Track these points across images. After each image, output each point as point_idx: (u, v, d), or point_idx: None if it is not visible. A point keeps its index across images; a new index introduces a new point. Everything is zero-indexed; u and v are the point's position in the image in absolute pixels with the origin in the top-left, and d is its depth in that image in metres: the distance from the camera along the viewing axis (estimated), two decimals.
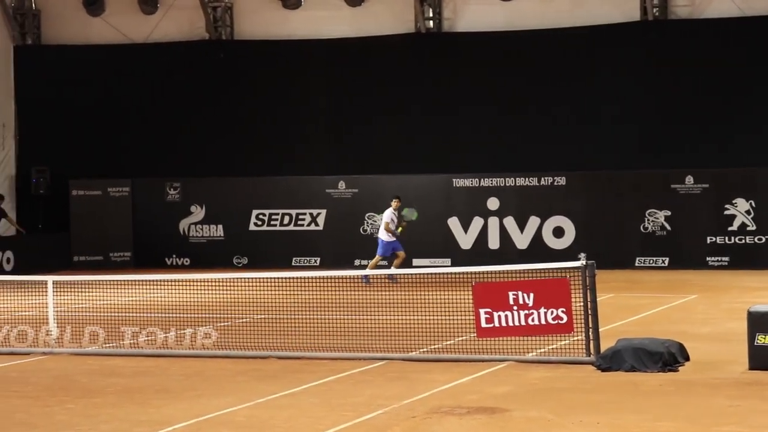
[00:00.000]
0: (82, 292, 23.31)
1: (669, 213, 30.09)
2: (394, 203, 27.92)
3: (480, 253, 30.42)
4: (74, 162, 33.96)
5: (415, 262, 30.04)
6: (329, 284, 24.51)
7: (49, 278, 18.85)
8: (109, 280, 25.09)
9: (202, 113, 34.18)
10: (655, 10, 31.30)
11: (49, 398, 13.98)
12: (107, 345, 17.64)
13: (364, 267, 29.42)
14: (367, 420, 12.08)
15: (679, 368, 14.63)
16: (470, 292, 15.84)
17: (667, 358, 14.57)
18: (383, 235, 27.88)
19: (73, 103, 34.33)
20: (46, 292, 18.38)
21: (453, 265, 29.55)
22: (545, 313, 15.32)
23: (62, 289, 19.45)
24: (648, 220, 30.20)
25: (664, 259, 30.19)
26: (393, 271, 26.03)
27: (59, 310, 18.61)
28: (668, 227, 30.09)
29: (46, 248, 32.47)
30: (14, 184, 34.95)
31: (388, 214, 27.89)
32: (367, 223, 31.91)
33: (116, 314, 21.12)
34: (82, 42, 34.77)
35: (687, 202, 29.99)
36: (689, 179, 29.99)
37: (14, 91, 35.02)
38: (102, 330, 18.04)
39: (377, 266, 27.66)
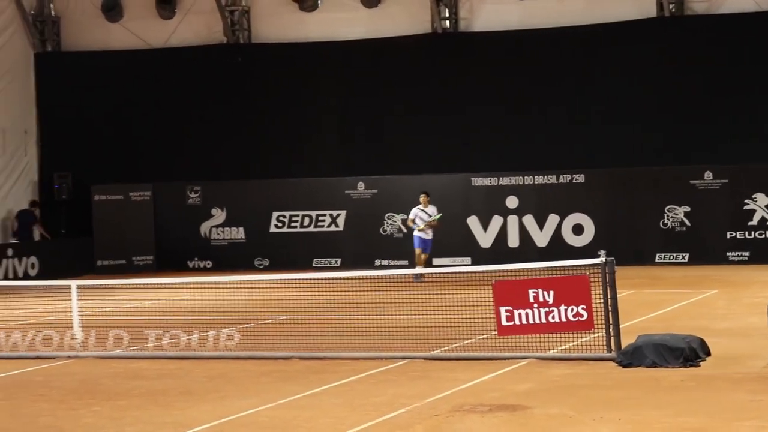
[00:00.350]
0: (105, 296, 23.47)
1: (688, 209, 30.04)
2: (422, 199, 27.99)
3: (500, 252, 30.39)
4: (96, 167, 34.09)
5: (436, 261, 30.03)
6: (350, 285, 24.54)
7: (73, 283, 18.91)
8: (132, 284, 25.20)
9: (221, 117, 34.26)
10: (671, 6, 31.26)
11: (74, 401, 14.05)
12: (131, 348, 17.71)
13: (384, 267, 29.48)
14: (389, 419, 12.11)
15: (700, 363, 14.60)
16: (490, 291, 15.86)
17: (688, 353, 14.55)
18: (415, 231, 27.92)
19: (93, 108, 34.47)
20: (71, 296, 18.47)
21: (473, 263, 29.56)
22: (565, 311, 15.32)
23: (86, 294, 19.54)
24: (667, 216, 30.16)
25: (683, 254, 30.14)
26: (418, 270, 25.96)
27: (83, 314, 18.67)
28: (688, 223, 30.05)
29: (70, 253, 32.60)
30: (37, 190, 35.09)
31: (413, 211, 27.98)
32: (387, 223, 31.93)
33: (140, 317, 21.22)
34: (101, 48, 34.90)
35: (706, 198, 29.93)
36: (708, 175, 29.92)
37: (36, 98, 35.15)
38: (126, 333, 18.12)
39: (425, 263, 27.62)
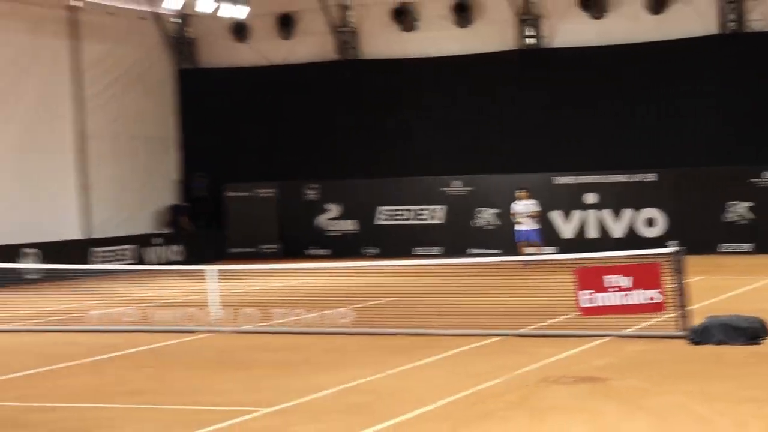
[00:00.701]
0: (238, 279, 23.76)
1: (751, 204, 29.60)
2: (519, 194, 27.95)
3: (580, 242, 30.20)
4: (228, 168, 34.49)
5: (528, 250, 29.88)
6: (448, 270, 24.61)
7: (211, 267, 19.23)
8: (261, 269, 25.51)
9: (334, 124, 34.45)
10: (732, 24, 30.84)
11: (213, 370, 14.27)
12: (261, 324, 17.90)
13: (477, 255, 29.45)
14: (484, 388, 12.12)
15: (762, 342, 14.42)
16: (573, 276, 15.81)
17: (752, 333, 14.39)
18: (523, 225, 27.84)
19: (225, 117, 34.85)
20: (209, 279, 18.75)
21: (557, 253, 29.46)
22: (640, 294, 15.24)
23: (222, 277, 19.77)
24: (731, 210, 29.76)
25: (747, 245, 29.72)
26: (525, 258, 25.65)
27: (220, 295, 18.92)
28: (751, 216, 29.62)
29: (207, 242, 33.02)
30: (178, 188, 35.66)
31: (511, 207, 27.99)
32: (480, 216, 31.92)
33: (267, 298, 21.43)
34: (231, 65, 35.26)
35: (766, 194, 29.51)
36: (766, 174, 29.52)
37: (176, 109, 35.67)
38: (256, 311, 18.33)
39: (529, 251, 27.43)
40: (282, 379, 13.30)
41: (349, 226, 33.38)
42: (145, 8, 33.54)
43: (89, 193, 32.36)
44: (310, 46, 34.69)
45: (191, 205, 35.10)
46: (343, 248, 32.63)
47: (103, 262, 29.85)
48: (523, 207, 27.87)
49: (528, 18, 32.77)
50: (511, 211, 28.16)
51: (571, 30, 32.50)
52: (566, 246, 30.20)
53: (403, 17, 33.62)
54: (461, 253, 30.57)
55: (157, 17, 34.63)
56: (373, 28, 34.40)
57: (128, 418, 11.25)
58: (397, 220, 33.09)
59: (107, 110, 33.08)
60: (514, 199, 28.33)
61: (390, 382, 12.90)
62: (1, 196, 29.45)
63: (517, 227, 27.94)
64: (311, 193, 33.68)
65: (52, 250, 28.28)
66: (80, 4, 31.64)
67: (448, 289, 21.52)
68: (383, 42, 34.26)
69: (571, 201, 31.14)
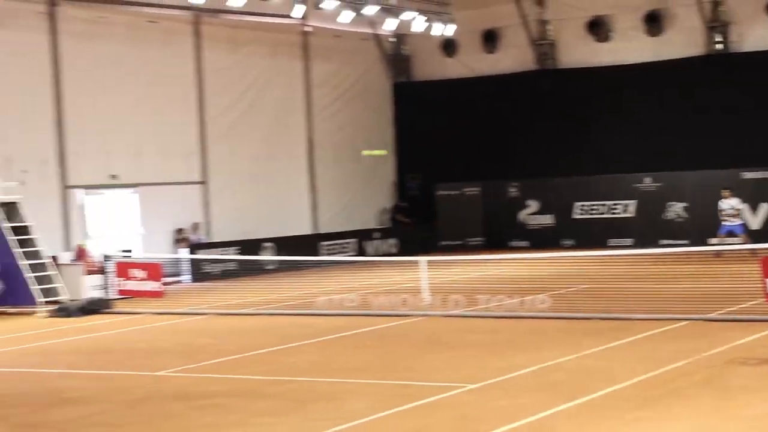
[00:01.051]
0: (446, 268, 23.84)
1: None
2: (726, 194, 27.28)
3: (766, 233, 28.95)
4: (439, 170, 34.63)
5: (712, 240, 28.90)
6: (640, 260, 24.02)
7: (422, 258, 19.37)
8: (467, 260, 25.48)
9: (533, 128, 34.11)
10: None
11: (425, 349, 14.37)
12: (467, 309, 17.93)
13: (667, 246, 28.68)
14: (673, 368, 11.79)
15: None
16: (760, 265, 15.16)
17: None
18: (729, 221, 27.21)
19: (436, 124, 35.00)
20: (421, 269, 18.88)
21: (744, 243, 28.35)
22: None
23: (432, 267, 19.91)
24: None
25: None
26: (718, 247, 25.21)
27: (431, 283, 19.05)
28: None
29: (419, 236, 33.22)
30: (394, 189, 36.09)
31: (718, 204, 27.24)
32: (670, 210, 31.05)
33: (473, 285, 21.43)
34: (441, 77, 35.40)
35: None
36: None
37: (393, 118, 36.09)
38: (462, 297, 18.36)
39: (726, 243, 26.68)
40: (485, 358, 13.27)
41: (547, 220, 33.02)
42: (366, 30, 34.07)
43: (317, 194, 33.12)
44: (512, 58, 34.48)
45: (408, 203, 35.45)
46: (541, 240, 32.33)
47: (329, 254, 30.45)
48: (728, 204, 27.34)
49: (716, 25, 31.63)
50: (719, 209, 27.47)
51: (758, 35, 31.22)
52: (755, 237, 28.96)
53: (598, 29, 33.06)
54: (652, 244, 29.78)
55: (377, 38, 35.12)
56: (569, 40, 33.90)
57: (350, 391, 11.43)
58: (592, 214, 32.55)
59: (333, 121, 33.76)
60: (702, 193, 27.59)
61: (584, 362, 12.70)
62: (245, 197, 30.49)
63: (723, 222, 27.28)
64: (513, 191, 33.50)
65: (286, 244, 29.05)
66: (311, 29, 32.44)
67: (639, 277, 21.02)
68: (579, 52, 33.72)
69: (758, 194, 29.89)
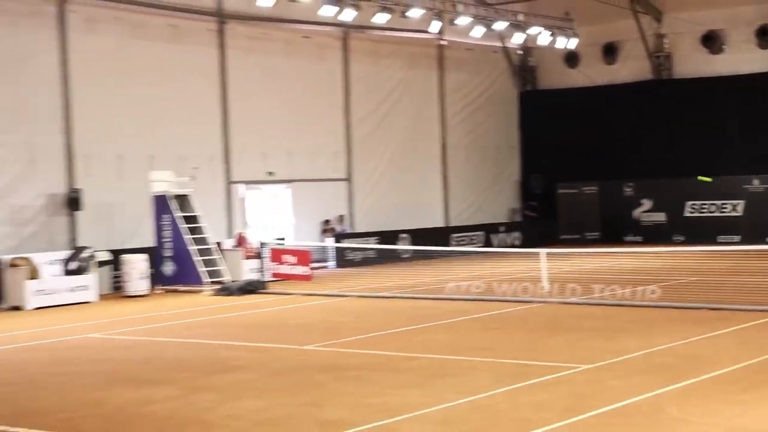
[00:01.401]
0: (565, 260, 23.57)
1: None
2: None
3: None
4: (560, 170, 34.21)
5: None
6: (747, 255, 23.28)
7: (543, 251, 19.21)
8: (583, 252, 25.12)
9: (648, 133, 33.37)
10: None
11: (542, 333, 14.26)
12: (582, 297, 17.70)
13: None
14: None
15: None
16: None
17: None
18: None
19: (557, 129, 34.56)
20: (541, 260, 18.73)
21: None
22: None
23: (551, 258, 19.72)
24: None
25: None
26: None
27: (550, 272, 18.88)
28: None
29: (541, 230, 32.89)
30: (518, 187, 35.81)
31: None
32: None
33: (588, 276, 21.14)
34: (563, 86, 34.95)
35: None
36: None
37: (518, 123, 35.82)
38: (578, 286, 18.14)
39: None
40: (599, 342, 13.10)
41: (660, 217, 32.27)
42: (496, 44, 33.88)
43: (449, 190, 33.13)
44: (630, 69, 33.78)
45: (534, 201, 35.15)
46: (654, 236, 31.63)
47: (458, 245, 30.45)
48: None
49: None
50: None
51: None
52: None
53: (712, 42, 32.10)
54: (759, 241, 28.77)
55: (506, 51, 34.88)
56: (684, 52, 33.01)
57: (474, 368, 11.45)
58: (702, 212, 31.67)
59: (463, 126, 33.71)
60: None
61: (690, 348, 12.42)
62: (385, 192, 30.72)
63: None
64: (628, 190, 32.90)
65: (420, 235, 29.17)
66: (446, 43, 32.46)
67: (745, 271, 20.37)
68: (693, 63, 32.80)
69: None
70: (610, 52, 33.98)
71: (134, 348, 13.99)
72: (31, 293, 19.51)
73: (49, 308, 19.26)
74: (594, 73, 34.23)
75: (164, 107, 24.54)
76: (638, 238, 32.34)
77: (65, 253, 21.01)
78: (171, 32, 24.82)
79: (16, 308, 19.36)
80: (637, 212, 32.71)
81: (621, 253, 26.21)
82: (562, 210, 33.86)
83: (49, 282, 19.95)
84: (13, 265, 19.80)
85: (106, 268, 21.65)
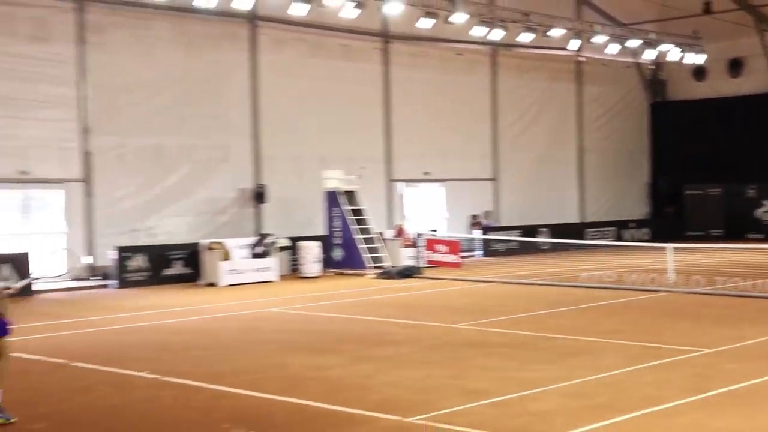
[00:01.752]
0: (690, 254, 22.73)
1: None
2: None
3: None
4: (686, 173, 33.16)
5: None
6: None
7: (670, 245, 18.64)
8: (707, 247, 24.15)
9: None
10: None
11: (667, 319, 13.78)
12: (706, 288, 17.07)
13: None
14: None
15: None
16: None
17: None
18: None
19: (685, 136, 33.45)
20: (668, 253, 18.14)
21: None
22: None
23: (678, 252, 19.08)
24: None
25: None
26: None
27: (676, 265, 18.27)
28: None
29: (669, 227, 31.86)
30: (648, 188, 34.80)
31: None
32: None
33: (712, 268, 20.34)
34: (691, 98, 33.77)
35: None
36: None
37: (649, 130, 34.82)
38: (703, 278, 17.49)
39: None
40: (719, 329, 12.61)
41: None
42: (629, 59, 33.01)
43: (585, 190, 32.53)
44: (754, 81, 32.29)
45: (665, 201, 34.07)
46: None
47: (592, 239, 29.82)
48: None
49: None
50: None
51: None
52: None
53: None
54: None
55: (638, 66, 33.95)
56: None
57: (605, 349, 11.24)
58: None
59: (599, 132, 33.03)
60: None
61: None
62: (527, 191, 30.46)
63: None
64: (751, 192, 31.57)
65: (558, 230, 28.75)
66: (584, 59, 31.87)
67: None
68: None
69: None
70: (735, 66, 32.66)
71: (308, 321, 14.40)
72: (224, 272, 20.33)
73: (238, 285, 20.04)
74: (720, 86, 32.89)
75: (336, 115, 25.11)
76: (760, 236, 30.93)
77: (252, 239, 21.80)
78: (343, 51, 25.36)
79: (212, 284, 20.23)
80: (758, 212, 31.34)
81: (743, 248, 25.06)
82: (688, 209, 32.73)
83: (239, 263, 20.74)
84: (210, 249, 20.70)
85: (286, 253, 22.31)
